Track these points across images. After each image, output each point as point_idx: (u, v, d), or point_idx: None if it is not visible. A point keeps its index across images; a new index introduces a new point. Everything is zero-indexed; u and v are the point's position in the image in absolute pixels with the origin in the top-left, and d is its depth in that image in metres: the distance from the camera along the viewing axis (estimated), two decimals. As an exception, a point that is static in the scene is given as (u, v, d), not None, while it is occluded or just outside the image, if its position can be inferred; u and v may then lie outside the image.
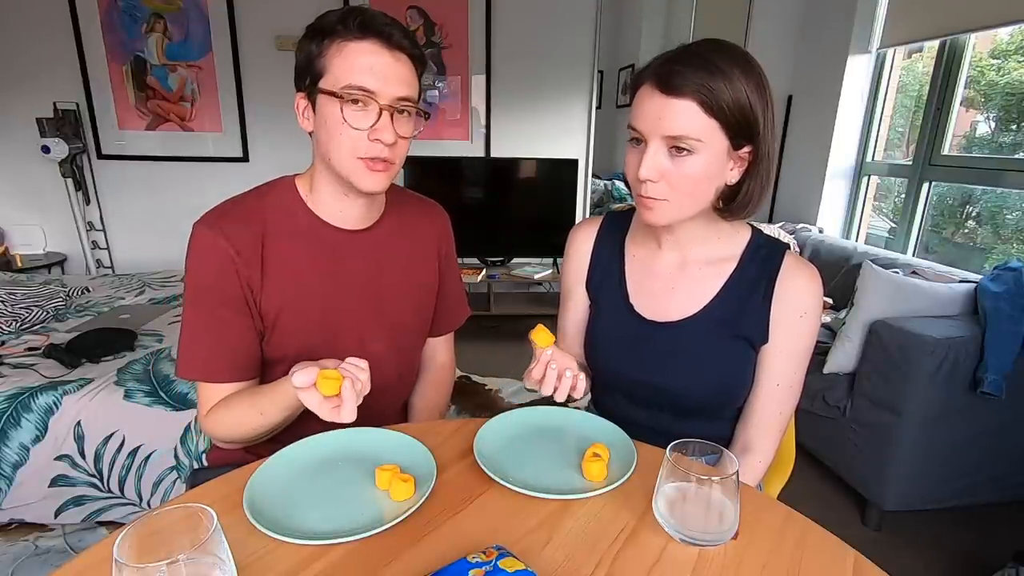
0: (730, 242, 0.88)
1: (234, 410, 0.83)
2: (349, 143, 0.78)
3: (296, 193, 0.89)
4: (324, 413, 0.68)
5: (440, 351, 1.14)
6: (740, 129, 0.75)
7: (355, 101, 0.77)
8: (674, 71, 0.73)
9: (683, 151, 0.75)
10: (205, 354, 0.84)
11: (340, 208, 0.88)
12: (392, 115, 0.79)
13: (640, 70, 0.79)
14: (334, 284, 0.90)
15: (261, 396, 0.80)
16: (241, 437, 0.85)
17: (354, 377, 0.69)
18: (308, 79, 0.80)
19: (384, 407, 1.00)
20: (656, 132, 0.75)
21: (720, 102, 0.72)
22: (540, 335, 0.78)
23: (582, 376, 0.79)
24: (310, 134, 0.84)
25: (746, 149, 0.78)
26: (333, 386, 0.67)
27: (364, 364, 0.71)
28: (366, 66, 0.76)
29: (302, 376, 0.67)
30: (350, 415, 0.68)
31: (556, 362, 0.77)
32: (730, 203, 0.82)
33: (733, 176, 0.79)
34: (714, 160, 0.76)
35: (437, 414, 1.11)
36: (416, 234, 1.00)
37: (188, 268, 0.83)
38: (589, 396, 1.08)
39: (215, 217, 0.83)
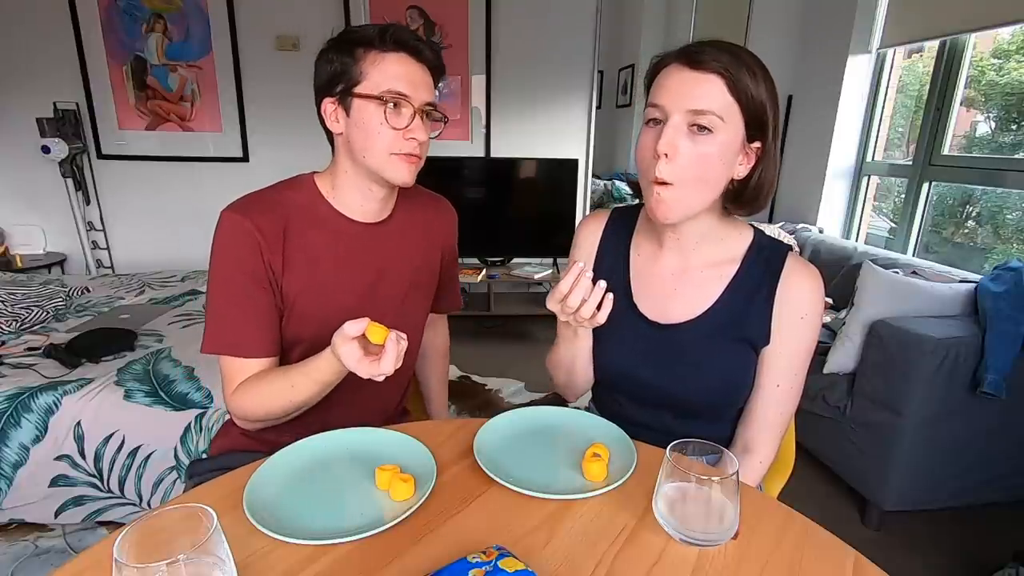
0: (732, 244, 0.88)
1: (263, 385, 0.86)
2: (385, 141, 0.86)
3: (316, 189, 0.94)
4: (363, 368, 0.73)
5: (438, 335, 1.25)
6: (755, 120, 0.76)
7: (395, 105, 0.85)
8: (702, 50, 0.75)
9: (703, 129, 0.74)
10: (234, 328, 0.88)
11: (361, 203, 0.95)
12: (423, 117, 0.88)
13: (660, 56, 0.80)
14: (350, 272, 0.94)
15: (293, 370, 0.84)
16: (267, 414, 0.88)
17: (398, 337, 0.74)
18: (342, 85, 0.87)
19: (390, 386, 1.05)
20: (680, 106, 0.74)
21: (743, 86, 0.74)
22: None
23: (610, 297, 0.78)
24: (337, 135, 0.91)
25: (756, 144, 0.79)
26: (380, 334, 0.72)
27: (404, 336, 0.75)
28: (401, 74, 0.85)
29: (353, 325, 0.72)
30: (390, 365, 0.72)
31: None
32: (739, 198, 0.82)
33: (741, 171, 0.80)
34: (730, 145, 0.76)
35: (445, 384, 1.28)
36: (425, 227, 1.06)
37: (216, 251, 0.87)
38: (589, 396, 1.08)
39: (241, 204, 0.89)
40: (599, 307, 0.77)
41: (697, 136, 0.75)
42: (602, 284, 0.77)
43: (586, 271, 0.76)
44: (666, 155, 0.75)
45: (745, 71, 0.74)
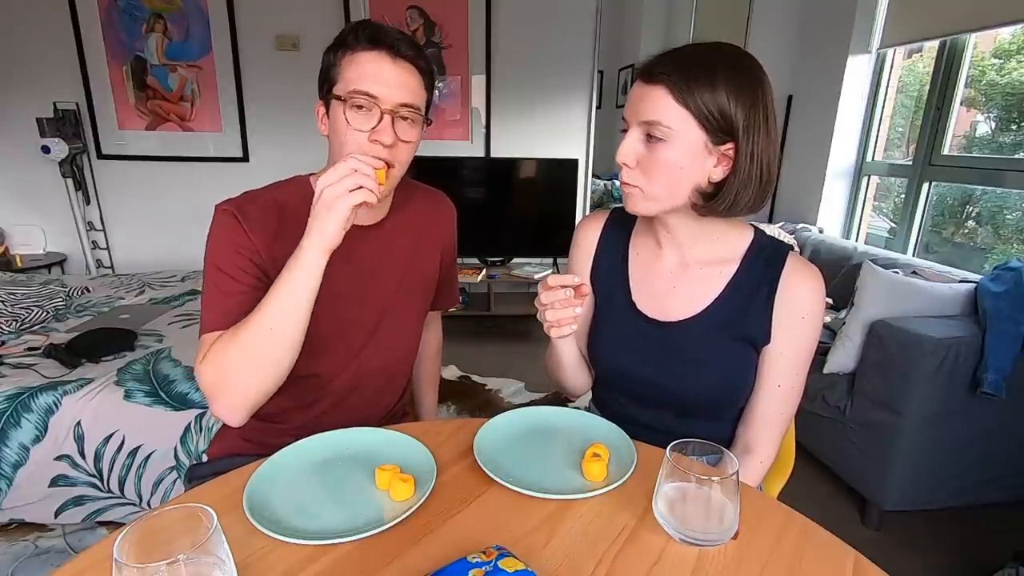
0: (731, 243, 0.88)
1: (231, 333, 0.77)
2: (353, 146, 0.83)
3: (310, 190, 0.92)
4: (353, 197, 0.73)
5: (432, 334, 1.24)
6: (717, 124, 0.75)
7: (359, 106, 0.82)
8: (657, 61, 0.77)
9: (656, 139, 0.76)
10: (227, 311, 0.81)
11: None
12: (393, 119, 0.83)
13: (638, 68, 0.82)
14: (344, 275, 0.92)
15: (263, 300, 0.77)
16: (249, 360, 0.77)
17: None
18: (325, 87, 0.86)
19: (389, 387, 1.06)
20: (634, 117, 0.78)
21: (692, 92, 0.73)
22: None
23: (575, 326, 0.82)
24: (328, 138, 0.89)
25: (729, 146, 0.77)
26: (380, 174, 0.76)
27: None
28: (371, 73, 0.82)
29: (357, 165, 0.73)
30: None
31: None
32: (708, 200, 0.80)
33: (717, 173, 0.78)
34: (688, 152, 0.76)
35: (435, 387, 1.28)
36: (422, 227, 1.04)
37: (209, 244, 0.86)
38: (589, 395, 1.08)
39: (235, 201, 0.88)
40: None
41: (651, 144, 0.77)
42: (577, 311, 0.80)
43: (573, 282, 0.79)
44: (625, 164, 0.80)
45: (699, 73, 0.73)
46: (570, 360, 0.95)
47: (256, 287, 0.84)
